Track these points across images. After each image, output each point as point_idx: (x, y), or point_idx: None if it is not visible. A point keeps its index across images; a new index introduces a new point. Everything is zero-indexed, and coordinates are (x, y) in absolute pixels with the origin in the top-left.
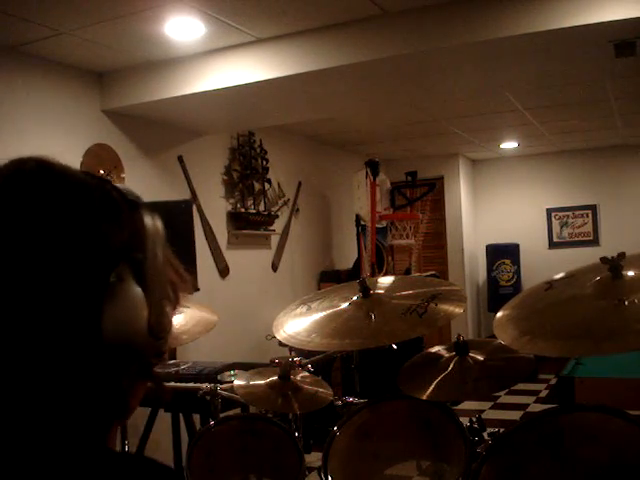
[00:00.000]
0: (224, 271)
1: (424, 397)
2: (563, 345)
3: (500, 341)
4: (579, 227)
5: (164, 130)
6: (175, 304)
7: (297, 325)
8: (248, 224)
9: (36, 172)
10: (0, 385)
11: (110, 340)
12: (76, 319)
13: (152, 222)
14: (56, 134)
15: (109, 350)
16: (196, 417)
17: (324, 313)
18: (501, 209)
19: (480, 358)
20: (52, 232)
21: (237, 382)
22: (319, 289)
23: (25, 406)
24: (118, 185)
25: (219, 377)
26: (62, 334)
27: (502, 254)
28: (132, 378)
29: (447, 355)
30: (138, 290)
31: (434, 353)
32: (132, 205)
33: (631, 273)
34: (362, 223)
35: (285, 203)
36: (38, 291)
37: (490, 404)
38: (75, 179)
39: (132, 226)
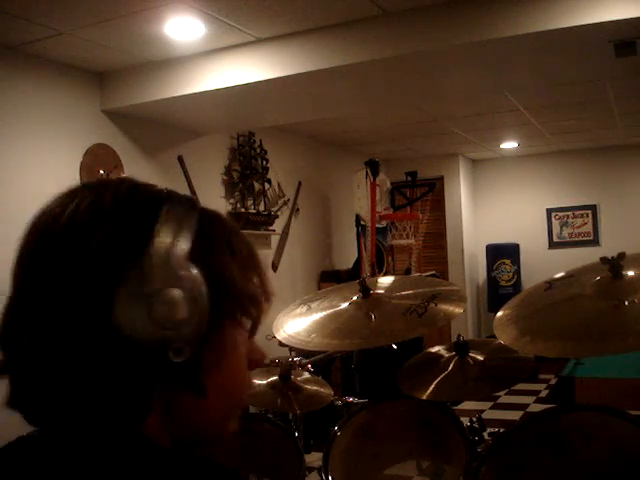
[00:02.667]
0: None
1: (424, 397)
2: (563, 345)
3: (500, 341)
4: (579, 227)
5: (164, 130)
6: (255, 328)
7: (297, 325)
8: (248, 224)
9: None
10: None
11: (121, 334)
12: (86, 315)
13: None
14: (56, 134)
15: (122, 345)
16: None
17: (324, 313)
18: (501, 209)
19: (480, 358)
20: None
21: None
22: (319, 289)
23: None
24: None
25: None
26: (75, 330)
27: (502, 254)
28: (157, 383)
29: (447, 355)
30: (144, 290)
31: (434, 353)
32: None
33: (631, 273)
34: (362, 223)
35: (285, 203)
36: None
37: (490, 404)
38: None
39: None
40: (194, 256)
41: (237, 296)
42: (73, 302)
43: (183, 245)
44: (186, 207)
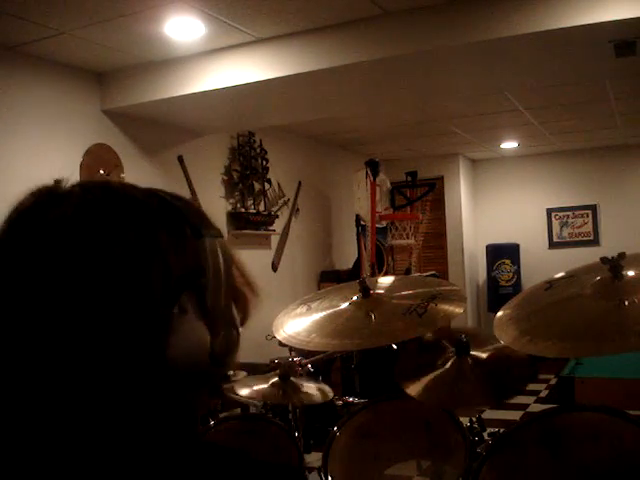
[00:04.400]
0: None
1: (421, 399)
2: (563, 346)
3: (500, 342)
4: (579, 227)
5: (164, 130)
6: (243, 321)
7: (297, 325)
8: (248, 224)
9: (101, 197)
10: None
11: (175, 368)
12: (141, 350)
13: (216, 247)
14: (56, 134)
15: (175, 377)
16: None
17: (324, 313)
18: (501, 209)
19: (481, 358)
20: (117, 261)
21: (237, 382)
22: (319, 289)
23: (101, 427)
24: (183, 203)
25: None
26: (129, 364)
27: (502, 254)
28: (201, 398)
29: (447, 355)
30: (200, 323)
31: (432, 348)
32: (195, 230)
33: (631, 273)
34: (362, 223)
35: (285, 203)
36: (105, 322)
37: None
38: (137, 205)
39: (195, 253)
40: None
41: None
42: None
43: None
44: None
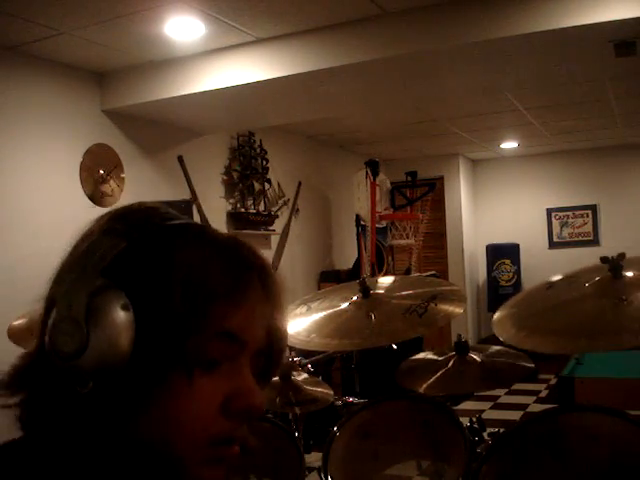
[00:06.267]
0: None
1: (421, 390)
2: (560, 341)
3: (499, 348)
4: (579, 227)
5: (164, 130)
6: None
7: (297, 325)
8: (248, 224)
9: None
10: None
11: None
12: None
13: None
14: (56, 134)
15: None
16: None
17: (324, 313)
18: (501, 209)
19: (478, 359)
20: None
21: None
22: (319, 289)
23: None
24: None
25: None
26: None
27: (502, 254)
28: None
29: (446, 355)
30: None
31: (433, 352)
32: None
33: (631, 273)
34: (362, 223)
35: (285, 203)
36: None
37: (490, 404)
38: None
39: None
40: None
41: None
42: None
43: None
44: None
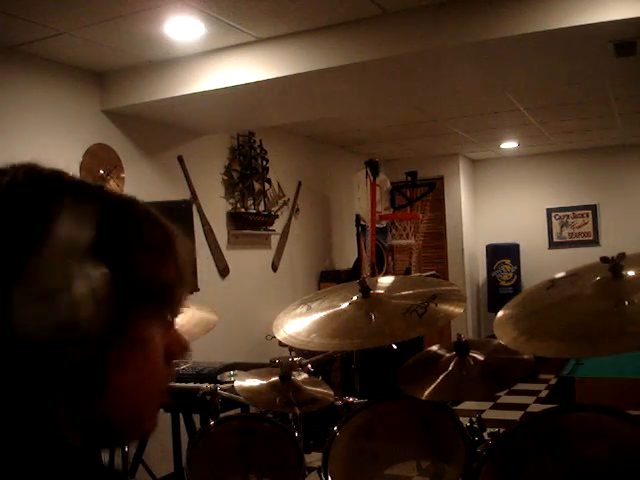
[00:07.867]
0: (224, 271)
1: (424, 397)
2: (560, 346)
3: (499, 341)
4: (579, 227)
5: (164, 130)
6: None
7: (297, 325)
8: (248, 224)
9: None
10: None
11: None
12: None
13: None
14: (56, 134)
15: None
16: (196, 417)
17: (324, 313)
18: (501, 209)
19: (480, 358)
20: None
21: (237, 382)
22: (319, 289)
23: None
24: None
25: (219, 377)
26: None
27: (502, 254)
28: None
29: (447, 355)
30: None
31: (434, 352)
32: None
33: (631, 273)
34: (362, 223)
35: (285, 203)
36: None
37: (490, 404)
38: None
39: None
40: (96, 248)
41: (146, 287)
42: None
43: (84, 237)
44: (89, 196)
